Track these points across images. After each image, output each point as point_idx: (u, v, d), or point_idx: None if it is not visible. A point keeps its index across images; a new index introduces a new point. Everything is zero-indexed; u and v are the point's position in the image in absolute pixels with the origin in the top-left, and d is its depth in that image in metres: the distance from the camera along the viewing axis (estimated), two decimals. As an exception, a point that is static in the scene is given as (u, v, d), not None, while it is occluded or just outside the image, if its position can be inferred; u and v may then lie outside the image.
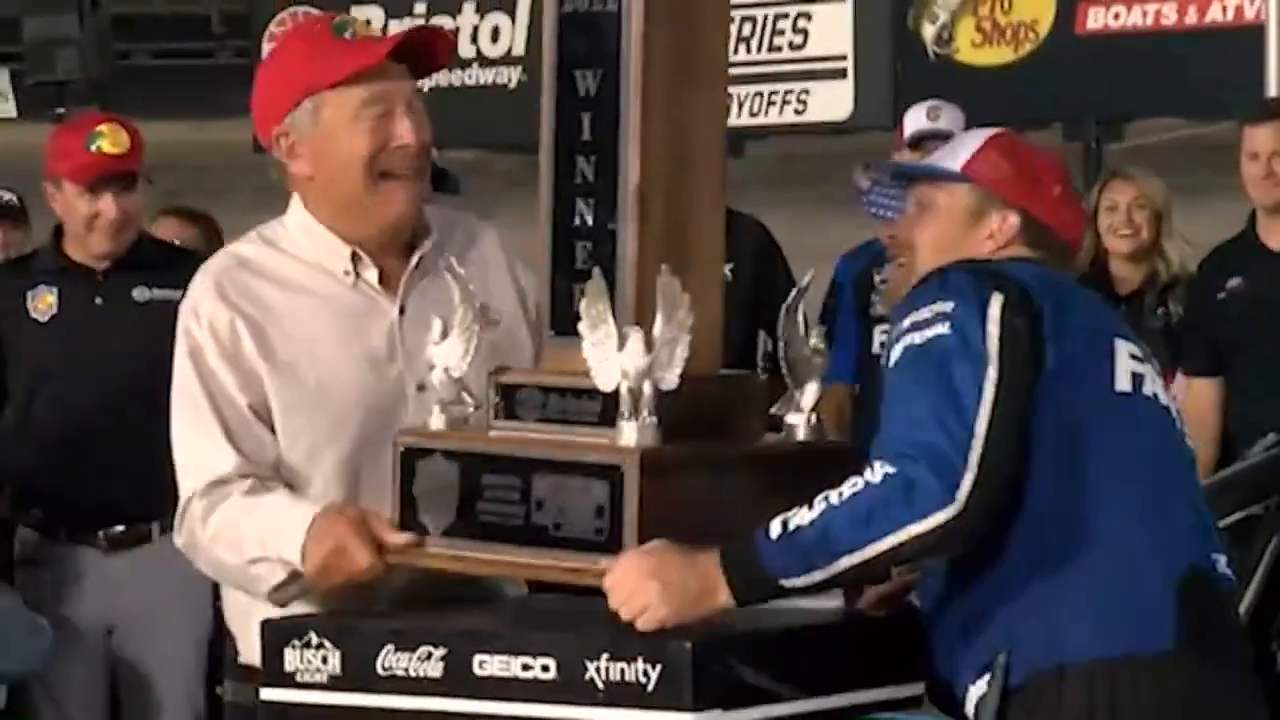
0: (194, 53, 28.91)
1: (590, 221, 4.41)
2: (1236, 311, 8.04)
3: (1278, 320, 7.99)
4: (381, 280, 4.69)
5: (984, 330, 4.24)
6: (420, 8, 14.94)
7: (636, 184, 4.33)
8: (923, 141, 7.94)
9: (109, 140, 6.23)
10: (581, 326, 4.25)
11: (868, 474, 4.15)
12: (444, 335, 4.39)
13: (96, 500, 6.06)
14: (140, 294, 5.20)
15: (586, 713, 4.19)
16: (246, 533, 4.50)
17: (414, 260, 4.71)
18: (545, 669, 4.21)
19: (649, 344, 4.18)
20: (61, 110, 15.99)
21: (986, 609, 4.29)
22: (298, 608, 4.59)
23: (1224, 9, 12.65)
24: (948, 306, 4.27)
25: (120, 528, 6.07)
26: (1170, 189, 8.43)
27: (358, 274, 4.67)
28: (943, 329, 4.25)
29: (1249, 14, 11.30)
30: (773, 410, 4.58)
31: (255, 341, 4.60)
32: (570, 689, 4.19)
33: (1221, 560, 4.36)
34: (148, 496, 5.40)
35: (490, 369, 4.46)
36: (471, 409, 4.43)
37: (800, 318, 4.53)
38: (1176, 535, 4.36)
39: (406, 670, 4.34)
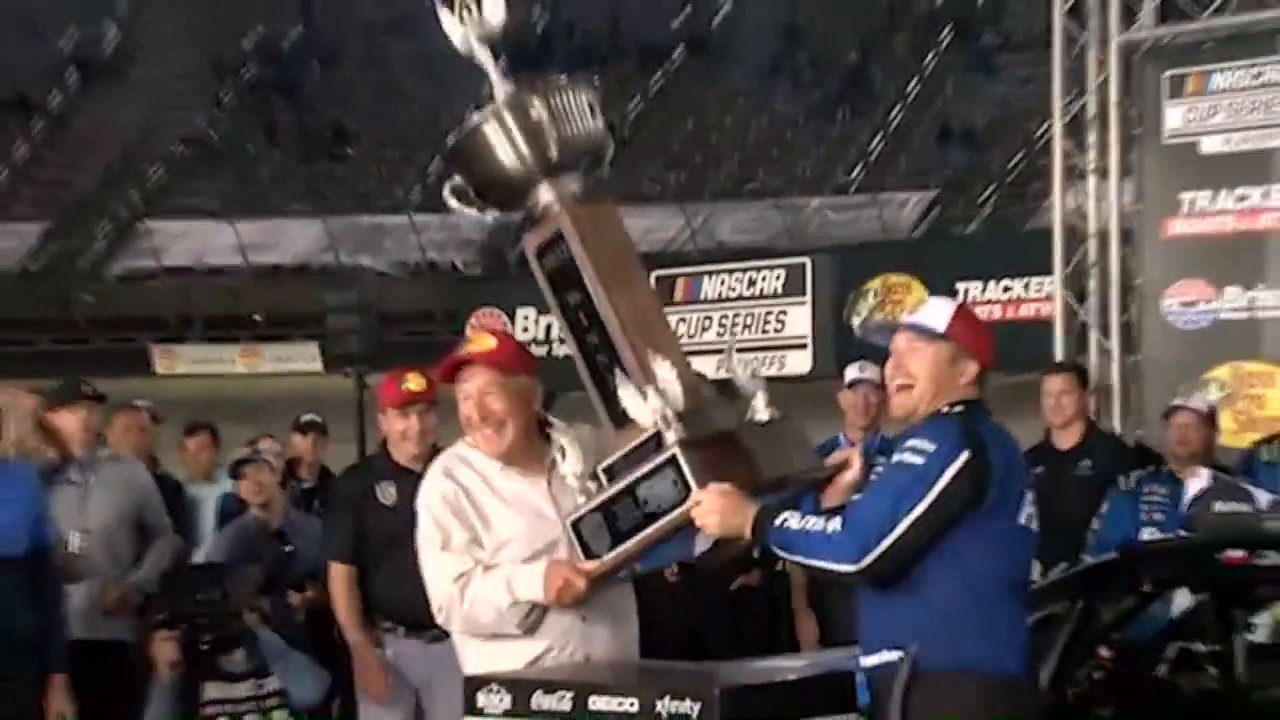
0: (426, 332, 29.30)
1: (608, 363, 4.35)
2: (1039, 490, 7.57)
3: (1061, 496, 7.58)
4: (532, 466, 4.58)
5: (942, 473, 3.98)
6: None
7: (626, 336, 4.31)
8: (855, 385, 7.64)
9: (414, 382, 6.11)
10: (623, 402, 4.27)
11: (833, 523, 4.05)
12: (564, 457, 4.38)
13: (420, 614, 5.48)
14: None
15: (655, 734, 4.03)
16: (497, 593, 4.42)
17: (549, 459, 4.56)
18: (632, 705, 4.04)
19: (661, 393, 4.20)
20: (349, 369, 16.32)
21: (905, 616, 4.06)
22: (500, 660, 4.48)
23: (1030, 310, 12.87)
24: (931, 447, 4.02)
25: (435, 630, 5.53)
26: (998, 414, 8.32)
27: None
28: (918, 460, 4.02)
29: (1044, 313, 11.11)
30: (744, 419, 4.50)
31: (468, 502, 4.52)
32: (650, 715, 4.01)
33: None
34: None
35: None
36: (595, 489, 4.33)
37: (734, 361, 4.70)
38: (1023, 619, 4.17)
39: (547, 707, 4.15)
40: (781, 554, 4.12)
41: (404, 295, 34.31)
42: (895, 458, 4.09)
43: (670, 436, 4.16)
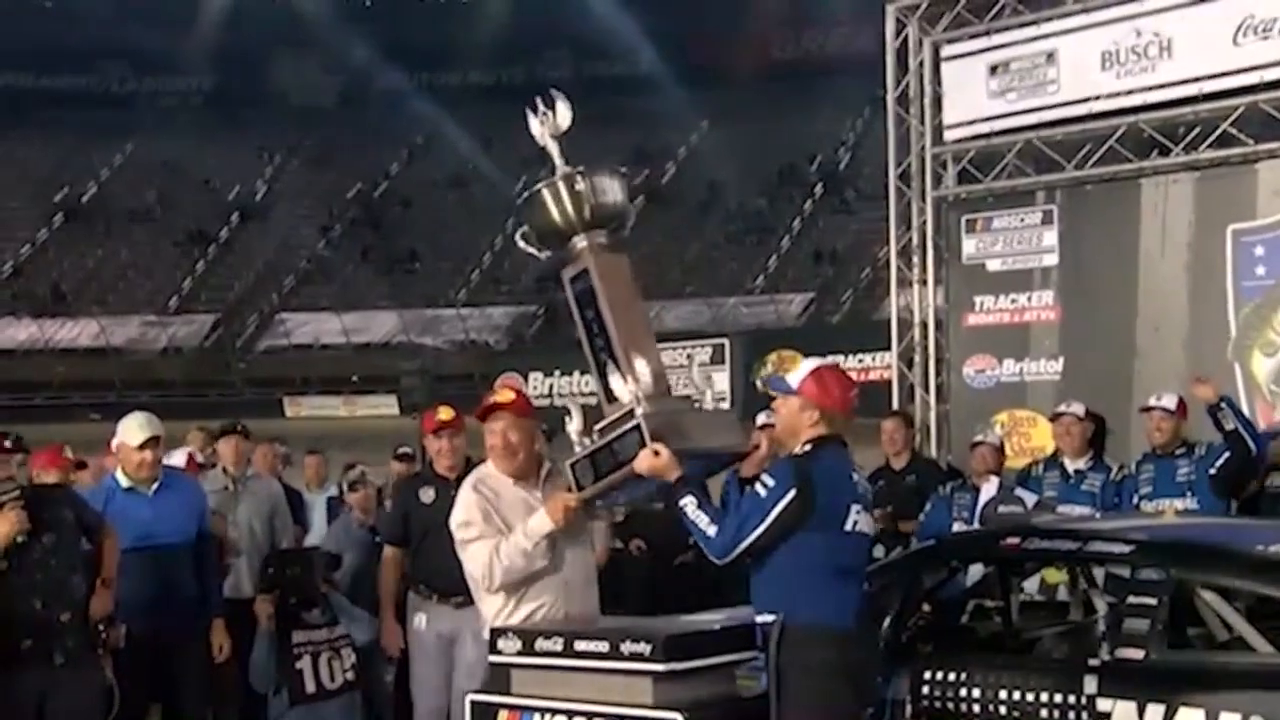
0: (468, 389, 28.50)
1: (607, 359, 4.20)
2: (886, 495, 7.32)
3: (896, 501, 7.43)
4: (530, 480, 4.46)
5: (776, 503, 3.93)
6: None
7: (619, 343, 4.17)
8: (763, 427, 7.10)
9: (443, 413, 5.78)
10: (611, 385, 4.14)
11: (713, 528, 4.00)
12: (571, 420, 4.23)
13: (448, 584, 5.22)
14: None
15: (620, 664, 4.00)
16: (519, 541, 4.27)
17: (542, 475, 4.46)
18: (604, 645, 4.03)
19: (637, 381, 4.10)
20: (415, 413, 16.18)
21: (775, 591, 4.00)
22: (512, 618, 4.31)
23: (876, 374, 12.76)
24: (772, 483, 3.95)
25: (460, 597, 5.19)
26: (855, 445, 8.16)
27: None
28: (763, 493, 3.95)
29: (885, 376, 10.84)
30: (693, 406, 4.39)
31: (491, 507, 4.38)
32: (616, 654, 4.00)
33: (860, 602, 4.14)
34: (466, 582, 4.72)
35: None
36: (588, 443, 4.23)
37: (695, 371, 4.45)
38: (855, 592, 4.09)
39: (545, 646, 4.14)
40: (683, 518, 4.06)
41: (453, 363, 34.00)
42: (755, 485, 4.03)
43: (639, 410, 4.07)
